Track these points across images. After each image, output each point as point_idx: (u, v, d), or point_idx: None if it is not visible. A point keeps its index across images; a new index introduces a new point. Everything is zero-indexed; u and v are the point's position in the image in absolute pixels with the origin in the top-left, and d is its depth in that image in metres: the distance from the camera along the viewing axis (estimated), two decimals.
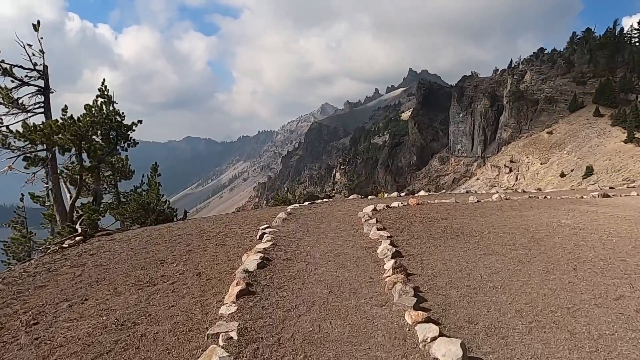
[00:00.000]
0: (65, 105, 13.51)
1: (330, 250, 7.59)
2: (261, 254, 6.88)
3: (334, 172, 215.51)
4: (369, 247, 7.74)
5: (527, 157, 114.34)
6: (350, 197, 14.63)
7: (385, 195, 15.24)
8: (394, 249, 7.16)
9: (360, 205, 12.49)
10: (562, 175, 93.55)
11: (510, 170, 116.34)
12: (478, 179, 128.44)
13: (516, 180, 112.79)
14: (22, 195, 17.08)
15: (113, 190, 19.40)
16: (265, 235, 8.52)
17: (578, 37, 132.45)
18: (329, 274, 6.23)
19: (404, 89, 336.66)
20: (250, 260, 6.53)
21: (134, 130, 14.96)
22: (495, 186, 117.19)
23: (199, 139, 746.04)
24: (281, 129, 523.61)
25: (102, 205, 14.63)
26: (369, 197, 14.90)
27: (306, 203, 12.96)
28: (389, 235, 8.24)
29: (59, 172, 14.03)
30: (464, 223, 9.69)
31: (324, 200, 13.65)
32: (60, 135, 12.84)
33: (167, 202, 18.92)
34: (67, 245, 10.75)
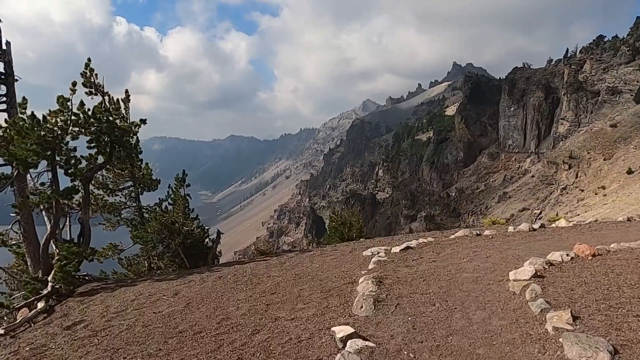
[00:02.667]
0: (23, 98, 8.99)
1: None
2: None
3: (376, 169, 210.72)
4: None
5: (588, 153, 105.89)
6: (457, 233, 9.48)
7: (507, 228, 10.05)
8: None
9: (489, 256, 7.42)
10: (630, 172, 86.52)
11: (570, 167, 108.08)
12: (533, 176, 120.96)
13: (576, 177, 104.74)
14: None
15: (134, 204, 15.95)
16: None
17: None
18: None
19: (448, 83, 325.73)
20: None
21: (135, 133, 10.29)
22: (552, 184, 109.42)
23: (242, 137, 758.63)
24: (323, 126, 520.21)
25: (89, 247, 10.16)
26: (486, 232, 9.60)
27: (397, 249, 7.91)
28: None
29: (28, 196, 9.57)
30: None
31: (420, 241, 8.59)
32: (22, 144, 8.41)
33: (197, 220, 15.00)
34: (2, 332, 6.32)
